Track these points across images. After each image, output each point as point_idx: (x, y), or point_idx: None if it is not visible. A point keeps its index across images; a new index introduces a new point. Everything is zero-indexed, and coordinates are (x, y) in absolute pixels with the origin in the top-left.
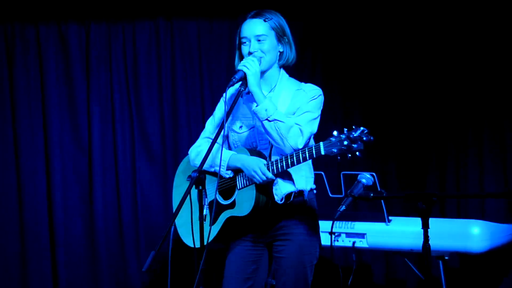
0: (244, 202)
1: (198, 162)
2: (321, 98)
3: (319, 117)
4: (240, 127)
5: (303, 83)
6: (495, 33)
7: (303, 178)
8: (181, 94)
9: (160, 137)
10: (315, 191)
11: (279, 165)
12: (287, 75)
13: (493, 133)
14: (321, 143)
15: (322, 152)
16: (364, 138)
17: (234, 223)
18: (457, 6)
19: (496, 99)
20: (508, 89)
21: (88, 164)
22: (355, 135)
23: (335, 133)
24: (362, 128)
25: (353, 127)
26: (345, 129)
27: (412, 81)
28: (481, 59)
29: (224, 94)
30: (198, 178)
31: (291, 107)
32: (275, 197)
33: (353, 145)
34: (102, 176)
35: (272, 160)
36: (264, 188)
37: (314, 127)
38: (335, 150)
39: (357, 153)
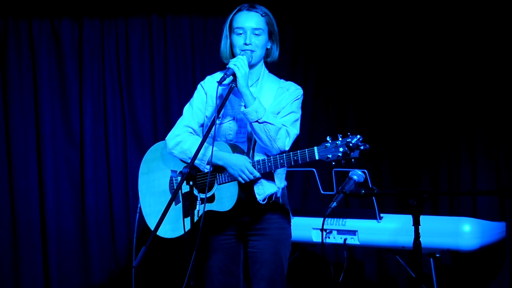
0: (224, 197)
1: (177, 152)
2: (302, 97)
3: (300, 117)
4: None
5: (282, 80)
6: (487, 32)
7: (279, 176)
8: (173, 90)
9: (152, 133)
10: (285, 184)
11: (266, 165)
12: (267, 71)
13: (485, 131)
14: (315, 148)
15: (316, 157)
16: (362, 147)
17: (212, 217)
18: (450, 9)
19: (489, 97)
20: (502, 88)
21: (80, 159)
22: (353, 142)
23: (328, 138)
24: (358, 136)
25: (349, 134)
26: (340, 136)
27: (405, 79)
28: (474, 58)
29: (200, 85)
30: (189, 174)
31: (275, 106)
32: (257, 196)
33: (350, 152)
34: (94, 170)
35: (254, 158)
36: (246, 186)
37: (298, 128)
38: (330, 156)
39: (352, 160)
